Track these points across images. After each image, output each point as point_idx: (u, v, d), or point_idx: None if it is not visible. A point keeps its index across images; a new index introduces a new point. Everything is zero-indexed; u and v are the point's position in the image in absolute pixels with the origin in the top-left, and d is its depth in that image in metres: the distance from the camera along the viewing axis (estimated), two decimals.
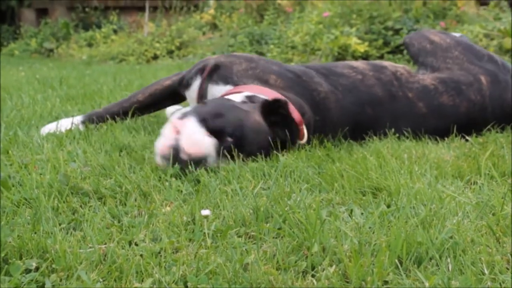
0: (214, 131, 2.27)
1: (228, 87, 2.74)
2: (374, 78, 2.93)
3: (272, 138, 2.40)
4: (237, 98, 2.55)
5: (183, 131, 2.25)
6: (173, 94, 3.07)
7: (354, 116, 2.82)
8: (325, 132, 2.74)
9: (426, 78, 3.06)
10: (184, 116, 2.33)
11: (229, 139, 2.27)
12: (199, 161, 2.21)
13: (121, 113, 3.10)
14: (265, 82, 2.71)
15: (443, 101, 2.97)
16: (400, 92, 2.92)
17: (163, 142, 2.24)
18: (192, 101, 2.95)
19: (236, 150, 2.28)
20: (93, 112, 3.17)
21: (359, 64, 3.05)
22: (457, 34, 3.50)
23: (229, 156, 2.26)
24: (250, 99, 2.54)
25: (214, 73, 2.80)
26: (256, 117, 2.39)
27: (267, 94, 2.57)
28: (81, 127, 3.00)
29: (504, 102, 3.10)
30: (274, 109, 2.42)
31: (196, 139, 2.23)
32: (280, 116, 2.43)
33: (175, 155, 2.19)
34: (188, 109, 2.41)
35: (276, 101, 2.42)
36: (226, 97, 2.59)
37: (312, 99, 2.74)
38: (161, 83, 3.10)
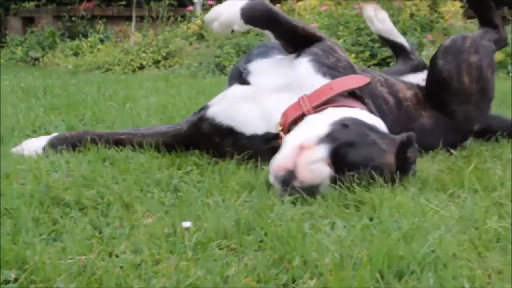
0: (340, 161, 2.09)
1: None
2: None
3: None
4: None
5: (305, 156, 2.07)
6: None
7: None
8: None
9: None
10: (319, 141, 2.10)
11: (352, 173, 2.09)
12: (309, 189, 2.04)
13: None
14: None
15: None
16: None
17: (279, 163, 2.08)
18: None
19: (353, 181, 2.09)
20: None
21: None
22: None
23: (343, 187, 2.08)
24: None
25: None
26: (389, 159, 2.21)
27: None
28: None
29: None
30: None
31: (314, 169, 2.05)
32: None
33: (288, 180, 2.04)
34: (325, 130, 2.15)
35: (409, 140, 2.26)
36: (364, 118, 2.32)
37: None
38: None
